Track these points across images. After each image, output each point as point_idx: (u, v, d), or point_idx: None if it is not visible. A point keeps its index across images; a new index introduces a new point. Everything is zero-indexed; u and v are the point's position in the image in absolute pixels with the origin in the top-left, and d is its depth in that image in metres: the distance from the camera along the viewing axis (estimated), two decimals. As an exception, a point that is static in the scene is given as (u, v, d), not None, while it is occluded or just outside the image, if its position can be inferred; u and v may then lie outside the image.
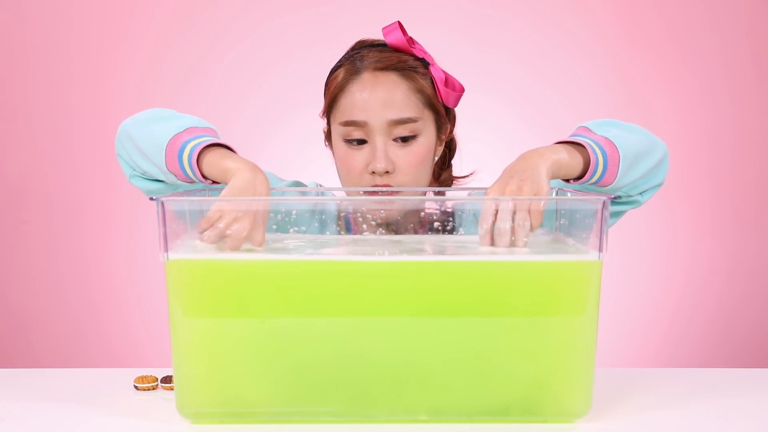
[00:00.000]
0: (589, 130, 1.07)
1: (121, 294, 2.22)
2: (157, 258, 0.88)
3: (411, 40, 1.18)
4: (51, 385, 1.05)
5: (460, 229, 1.04)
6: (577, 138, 1.05)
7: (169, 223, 0.88)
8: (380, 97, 1.13)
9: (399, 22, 1.17)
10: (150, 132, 1.06)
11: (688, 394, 1.00)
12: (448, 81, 1.18)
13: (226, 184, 0.98)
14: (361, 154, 1.14)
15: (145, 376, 1.04)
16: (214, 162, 1.01)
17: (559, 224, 1.01)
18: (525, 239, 0.92)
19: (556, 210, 1.03)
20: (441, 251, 0.97)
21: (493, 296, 0.87)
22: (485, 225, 0.93)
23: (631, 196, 1.12)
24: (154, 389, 1.04)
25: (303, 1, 2.17)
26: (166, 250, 0.87)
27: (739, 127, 2.19)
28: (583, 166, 1.04)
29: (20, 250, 2.20)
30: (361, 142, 1.15)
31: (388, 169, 1.13)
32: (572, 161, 1.02)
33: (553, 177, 1.00)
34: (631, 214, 2.26)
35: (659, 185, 1.15)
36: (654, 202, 2.18)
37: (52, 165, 2.19)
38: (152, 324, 2.18)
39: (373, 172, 1.13)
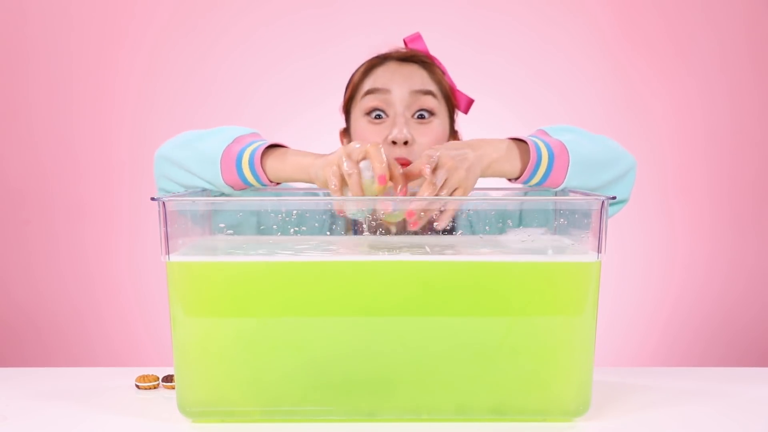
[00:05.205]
0: (546, 134, 1.08)
1: (122, 294, 2.23)
2: (159, 258, 0.88)
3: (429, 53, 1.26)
4: (53, 383, 1.06)
5: (459, 230, 1.05)
6: (528, 138, 1.05)
7: (171, 223, 0.89)
8: (403, 74, 1.19)
9: (419, 33, 1.25)
10: (196, 151, 1.06)
11: (686, 393, 1.01)
12: (458, 91, 1.26)
13: (305, 180, 1.02)
14: (380, 128, 1.18)
15: (146, 375, 1.05)
16: (279, 165, 1.03)
17: (558, 224, 1.02)
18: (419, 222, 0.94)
19: (555, 210, 1.04)
20: (440, 251, 0.97)
21: (493, 296, 0.88)
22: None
23: None
24: (155, 388, 1.04)
25: (303, 2, 2.17)
26: (168, 250, 0.88)
27: (738, 127, 2.19)
28: (524, 166, 1.04)
29: (22, 250, 2.20)
30: (380, 117, 1.18)
31: (407, 139, 1.14)
32: (510, 160, 1.03)
33: (485, 175, 1.02)
34: (631, 215, 2.27)
35: (623, 202, 1.14)
36: (653, 203, 2.20)
37: (54, 166, 2.19)
38: (154, 323, 2.18)
39: (393, 143, 1.15)
